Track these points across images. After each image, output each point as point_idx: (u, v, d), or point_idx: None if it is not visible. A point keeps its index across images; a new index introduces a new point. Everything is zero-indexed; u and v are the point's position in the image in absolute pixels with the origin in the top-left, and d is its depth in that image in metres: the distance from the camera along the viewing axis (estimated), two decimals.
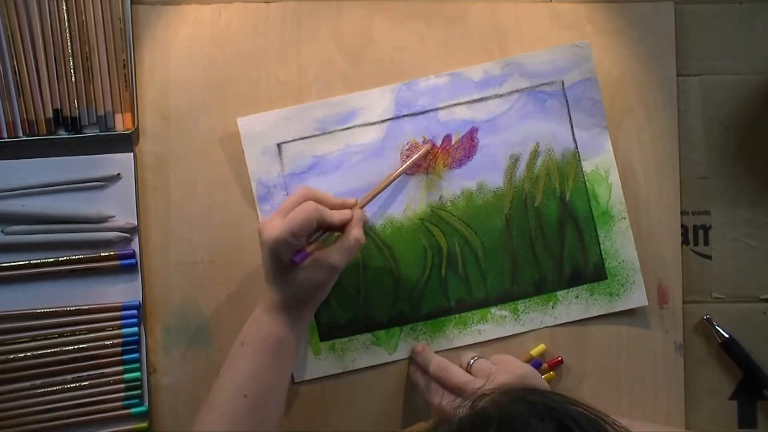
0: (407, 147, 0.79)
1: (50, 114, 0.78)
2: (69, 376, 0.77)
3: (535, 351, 0.78)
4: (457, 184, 0.80)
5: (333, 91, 0.80)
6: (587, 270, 0.80)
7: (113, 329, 0.77)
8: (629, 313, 0.80)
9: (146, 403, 0.78)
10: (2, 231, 0.77)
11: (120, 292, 0.78)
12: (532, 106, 0.80)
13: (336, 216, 0.70)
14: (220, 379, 0.69)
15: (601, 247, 0.80)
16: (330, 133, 0.79)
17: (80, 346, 0.77)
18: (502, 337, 0.80)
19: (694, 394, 0.80)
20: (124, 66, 0.78)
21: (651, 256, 0.80)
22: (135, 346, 0.78)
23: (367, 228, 0.79)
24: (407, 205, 0.79)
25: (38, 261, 0.77)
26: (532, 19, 0.80)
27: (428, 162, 0.79)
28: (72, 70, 0.77)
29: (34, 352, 0.76)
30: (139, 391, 0.78)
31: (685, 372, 0.80)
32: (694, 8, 0.81)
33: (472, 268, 0.80)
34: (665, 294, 0.80)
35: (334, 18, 0.80)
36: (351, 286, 0.79)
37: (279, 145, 0.79)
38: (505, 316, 0.80)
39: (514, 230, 0.80)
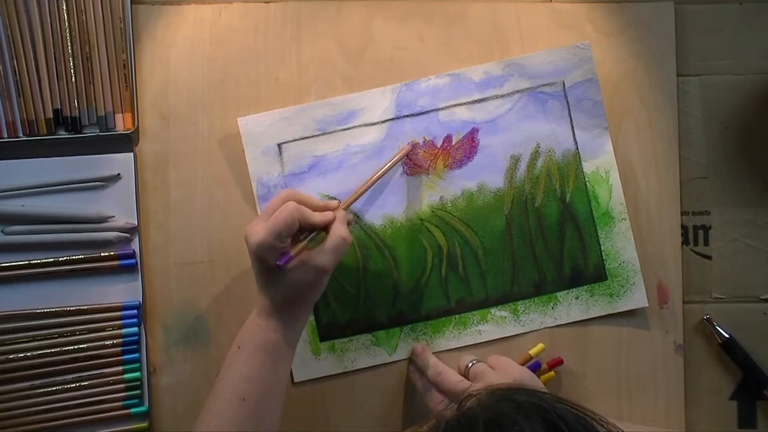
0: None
1: (50, 114, 0.78)
2: (69, 376, 0.77)
3: (533, 351, 0.78)
4: (457, 184, 0.80)
5: (333, 91, 0.80)
6: (587, 271, 0.80)
7: (113, 329, 0.77)
8: (629, 313, 0.80)
9: (146, 403, 0.78)
10: (2, 231, 0.77)
11: (120, 292, 0.78)
12: (532, 107, 0.80)
13: (317, 217, 0.69)
14: (218, 383, 0.69)
15: (602, 248, 0.80)
16: (330, 133, 0.79)
17: (80, 346, 0.77)
18: (502, 338, 0.80)
19: (694, 394, 0.80)
20: (124, 66, 0.78)
21: (651, 256, 0.80)
22: (135, 346, 0.78)
23: (367, 228, 0.79)
24: (407, 205, 0.79)
25: (38, 261, 0.77)
26: (532, 19, 0.80)
27: (428, 162, 0.79)
28: (72, 70, 0.77)
29: (34, 352, 0.76)
30: (139, 391, 0.78)
31: (685, 372, 0.80)
32: (694, 8, 0.81)
33: (472, 268, 0.80)
34: (665, 294, 0.80)
35: (334, 18, 0.80)
36: (351, 286, 0.79)
37: (279, 145, 0.79)
38: (505, 317, 0.80)
39: (514, 231, 0.80)
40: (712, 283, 0.81)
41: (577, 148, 0.80)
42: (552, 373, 0.78)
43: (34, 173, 0.77)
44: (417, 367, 0.77)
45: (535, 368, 0.76)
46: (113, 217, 0.78)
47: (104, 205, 0.78)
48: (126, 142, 0.78)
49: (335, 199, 0.78)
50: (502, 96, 0.80)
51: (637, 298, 0.80)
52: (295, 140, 0.79)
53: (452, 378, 0.72)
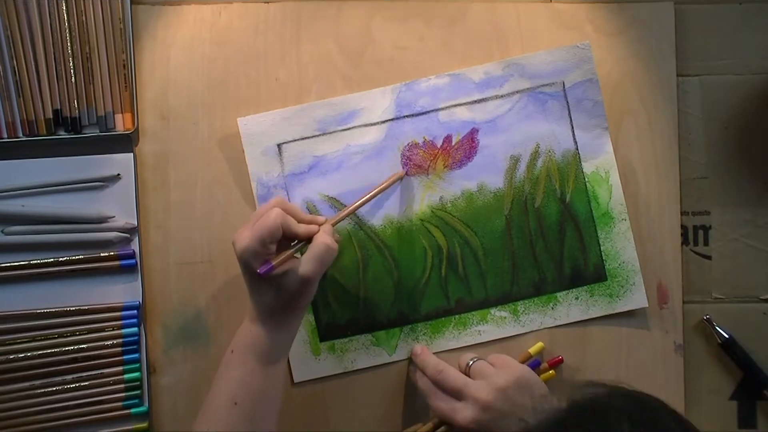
0: (407, 147, 0.79)
1: (50, 114, 0.78)
2: (69, 377, 0.77)
3: (533, 349, 0.78)
4: (457, 184, 0.80)
5: (333, 92, 0.80)
6: (587, 271, 0.80)
7: (113, 329, 0.77)
8: (629, 313, 0.80)
9: (146, 404, 0.78)
10: (2, 231, 0.77)
11: (120, 292, 0.78)
12: (532, 107, 0.80)
13: (302, 228, 0.69)
14: (212, 388, 0.70)
15: (601, 248, 0.80)
16: (330, 133, 0.79)
17: (80, 346, 0.77)
18: (502, 338, 0.80)
19: (693, 395, 0.80)
20: (124, 66, 0.78)
21: (651, 256, 0.80)
22: (135, 347, 0.78)
23: (367, 228, 0.79)
24: (407, 205, 0.79)
25: (38, 261, 0.77)
26: (532, 19, 0.80)
27: (428, 163, 0.79)
28: (72, 71, 0.77)
29: (34, 353, 0.76)
30: (139, 392, 0.78)
31: (684, 372, 0.80)
32: (694, 8, 0.81)
33: (472, 268, 0.80)
34: (665, 294, 0.80)
35: (334, 18, 0.80)
36: (351, 286, 0.79)
37: (279, 146, 0.79)
38: (505, 317, 0.80)
39: (514, 231, 0.80)
40: (712, 283, 0.81)
41: (577, 149, 0.80)
42: (552, 371, 0.78)
43: (34, 173, 0.77)
44: (417, 367, 0.77)
45: (535, 366, 0.76)
46: (113, 217, 0.78)
47: (104, 206, 0.78)
48: (126, 143, 0.78)
49: (336, 200, 0.79)
50: (501, 96, 0.80)
51: (636, 299, 0.80)
52: (295, 140, 0.79)
53: (454, 375, 0.73)
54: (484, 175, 0.80)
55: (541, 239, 0.80)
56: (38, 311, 0.77)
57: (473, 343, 0.80)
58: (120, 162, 0.78)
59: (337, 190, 0.79)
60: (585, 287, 0.80)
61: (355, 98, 0.79)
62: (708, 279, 0.81)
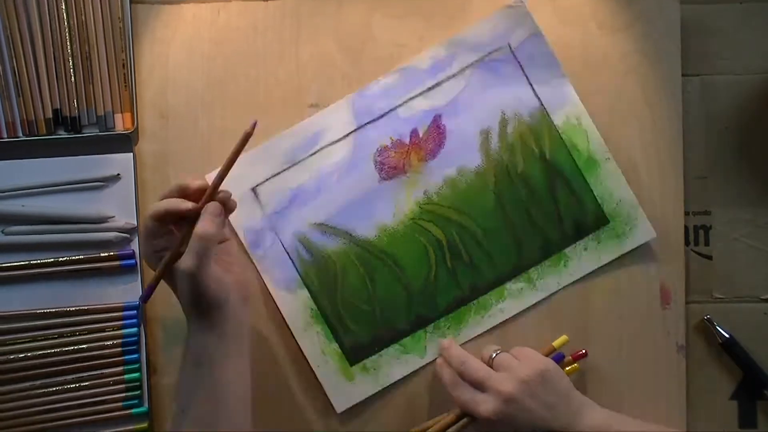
0: (378, 153, 0.79)
1: (50, 114, 0.77)
2: (69, 377, 0.77)
3: (556, 343, 0.77)
4: (437, 174, 0.79)
5: (333, 90, 0.79)
6: (588, 220, 0.80)
7: (113, 330, 0.77)
8: (629, 313, 0.79)
9: (146, 404, 0.78)
10: (2, 231, 0.77)
11: (120, 292, 0.78)
12: (487, 78, 0.79)
13: (183, 205, 0.66)
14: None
15: (595, 193, 0.79)
16: (300, 162, 0.78)
17: (80, 346, 0.77)
18: (525, 313, 0.80)
19: (694, 394, 0.80)
20: (124, 65, 0.78)
21: (653, 256, 0.80)
22: (135, 347, 0.78)
23: (363, 243, 0.78)
24: (395, 209, 0.79)
25: (38, 261, 0.77)
26: (535, 15, 0.79)
27: (402, 161, 0.79)
28: (71, 70, 0.77)
29: (35, 353, 0.76)
30: (139, 392, 0.78)
31: (686, 372, 0.79)
32: (694, 8, 0.81)
33: (475, 252, 0.79)
34: (667, 295, 0.80)
35: (333, 16, 0.80)
36: (364, 303, 0.79)
37: (254, 189, 0.78)
38: (522, 288, 0.79)
39: (505, 203, 0.79)
40: (713, 283, 0.81)
41: (542, 104, 0.79)
42: (576, 365, 0.77)
43: (33, 173, 0.77)
44: (444, 360, 0.77)
45: (558, 360, 0.75)
46: (113, 217, 0.78)
47: (104, 205, 0.78)
48: (125, 142, 0.78)
49: (327, 225, 0.79)
50: (454, 76, 0.79)
51: (643, 232, 0.79)
52: (268, 179, 0.78)
53: (476, 366, 0.73)
54: (460, 158, 0.79)
55: (534, 202, 0.79)
56: (38, 311, 0.77)
57: (498, 323, 0.79)
58: (120, 162, 0.78)
59: (324, 215, 0.78)
60: (590, 236, 0.80)
61: (313, 121, 0.79)
62: (709, 279, 0.81)
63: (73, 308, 0.77)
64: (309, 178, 0.78)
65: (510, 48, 0.79)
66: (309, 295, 0.79)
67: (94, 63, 0.78)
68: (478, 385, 0.71)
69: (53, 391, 0.77)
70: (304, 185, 0.78)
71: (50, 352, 0.76)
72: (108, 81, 0.78)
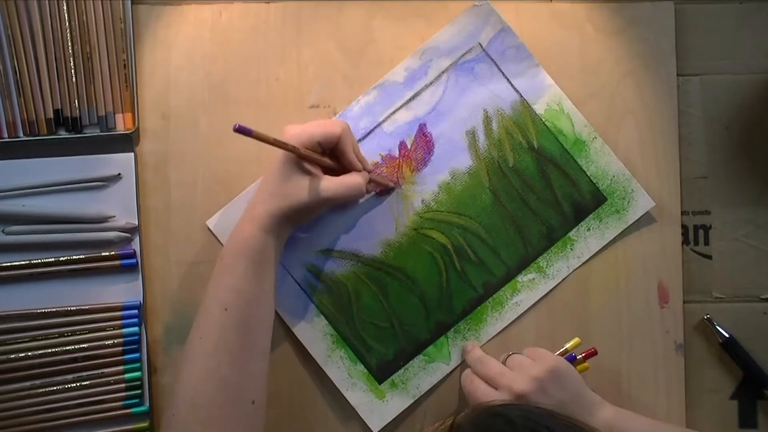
0: (370, 171, 0.79)
1: (51, 114, 0.78)
2: (69, 376, 0.77)
3: (570, 345, 0.77)
4: (431, 182, 0.80)
5: (333, 91, 0.80)
6: (586, 200, 0.80)
7: (114, 329, 0.77)
8: (628, 312, 0.80)
9: (147, 403, 0.78)
10: (3, 231, 0.77)
11: (120, 291, 0.78)
12: (463, 80, 0.80)
13: (352, 156, 0.72)
14: (204, 297, 0.70)
15: (588, 173, 0.80)
16: None
17: (81, 346, 0.77)
18: (541, 302, 0.80)
19: (694, 394, 0.80)
20: (125, 66, 0.78)
21: (651, 256, 0.80)
22: (135, 346, 0.78)
23: (370, 261, 0.79)
24: (396, 223, 0.79)
25: (39, 261, 0.77)
26: (532, 19, 0.80)
27: (395, 175, 0.79)
28: (72, 71, 0.77)
29: (35, 352, 0.76)
30: (139, 391, 0.78)
31: (685, 372, 0.79)
32: (694, 8, 0.81)
33: (482, 250, 0.80)
34: (666, 294, 0.80)
35: (334, 18, 0.80)
36: (382, 321, 0.79)
37: None
38: (534, 278, 0.80)
39: (503, 198, 0.80)
40: (713, 283, 0.81)
41: (522, 96, 0.80)
42: (586, 364, 0.77)
43: (34, 173, 0.77)
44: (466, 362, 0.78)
45: (571, 361, 0.75)
46: (114, 217, 0.78)
47: (105, 205, 0.78)
48: (126, 142, 0.78)
49: (332, 250, 0.79)
50: (431, 83, 0.80)
51: (643, 203, 0.80)
52: None
53: (491, 364, 0.73)
54: (451, 161, 0.80)
55: (531, 193, 0.80)
56: (39, 311, 0.77)
57: (516, 316, 0.80)
58: (120, 162, 0.78)
59: (327, 241, 0.79)
60: (591, 216, 0.80)
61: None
62: (708, 279, 0.81)
63: (74, 308, 0.77)
64: None
65: (481, 47, 0.80)
66: (327, 322, 0.79)
67: (95, 63, 0.78)
68: (492, 383, 0.72)
69: (53, 390, 0.77)
70: None
71: (50, 352, 0.76)
72: (109, 81, 0.78)
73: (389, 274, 0.79)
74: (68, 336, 0.77)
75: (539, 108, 0.80)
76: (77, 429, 0.77)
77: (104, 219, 0.78)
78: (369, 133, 0.80)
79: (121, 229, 0.77)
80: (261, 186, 0.72)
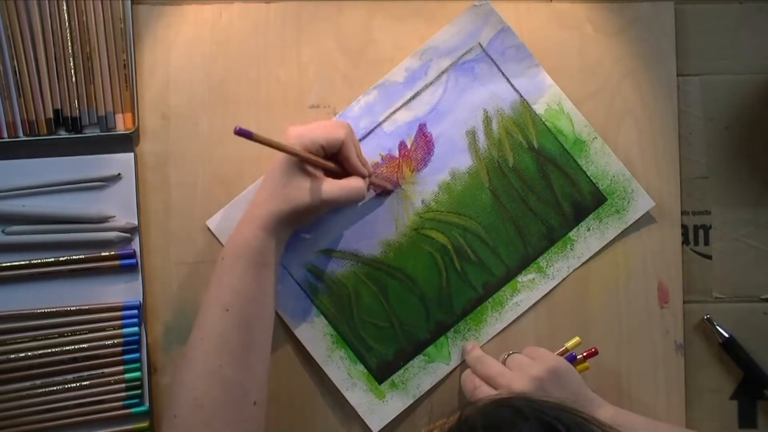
0: (371, 174, 0.79)
1: (51, 114, 0.78)
2: (69, 376, 0.77)
3: (570, 344, 0.77)
4: (430, 182, 0.80)
5: (333, 91, 0.80)
6: (586, 201, 0.80)
7: (114, 329, 0.77)
8: (628, 312, 0.80)
9: (147, 403, 0.78)
10: (3, 231, 0.77)
11: (120, 291, 0.78)
12: (463, 80, 0.80)
13: (355, 160, 0.72)
14: (205, 297, 0.70)
15: (588, 173, 0.80)
16: None
17: (81, 346, 0.77)
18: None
19: (694, 394, 0.80)
20: (125, 66, 0.78)
21: (651, 256, 0.80)
22: (135, 346, 0.78)
23: (370, 261, 0.79)
24: (396, 223, 0.79)
25: (39, 261, 0.77)
26: (532, 19, 0.80)
27: (395, 175, 0.79)
28: (72, 70, 0.77)
29: (35, 352, 0.76)
30: (139, 391, 0.78)
31: (685, 371, 0.80)
32: (694, 8, 0.81)
33: (482, 251, 0.80)
34: (666, 294, 0.80)
35: (334, 18, 0.80)
36: (382, 320, 0.79)
37: None
38: (533, 279, 0.80)
39: (502, 198, 0.80)
40: (713, 283, 0.81)
41: (522, 96, 0.80)
42: (586, 364, 0.76)
43: (34, 173, 0.77)
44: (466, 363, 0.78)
45: (571, 360, 0.75)
46: (114, 217, 0.78)
47: (105, 205, 0.78)
48: (126, 142, 0.78)
49: (333, 251, 0.79)
50: (431, 83, 0.80)
51: (643, 203, 0.80)
52: None
53: (490, 363, 0.73)
54: (451, 161, 0.80)
55: (531, 193, 0.80)
56: (38, 311, 0.77)
57: (516, 316, 0.80)
58: (120, 162, 0.78)
59: (327, 241, 0.79)
60: (591, 216, 0.80)
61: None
62: (708, 279, 0.81)
63: (74, 308, 0.77)
64: None
65: (481, 47, 0.80)
66: (327, 322, 0.79)
67: (95, 63, 0.78)
68: (492, 382, 0.72)
69: (53, 390, 0.77)
70: None
71: (50, 352, 0.76)
72: (109, 81, 0.78)
73: (389, 274, 0.79)
74: (68, 336, 0.77)
75: (539, 108, 0.80)
76: (77, 429, 0.77)
77: (104, 219, 0.77)
78: (369, 133, 0.80)
79: (121, 229, 0.77)
80: (261, 187, 0.72)
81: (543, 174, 0.80)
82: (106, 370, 0.77)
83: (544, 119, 0.80)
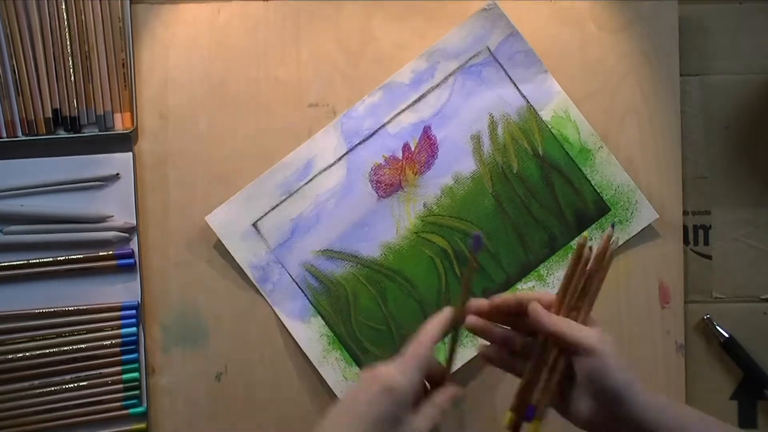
0: (373, 172, 0.79)
1: (49, 114, 0.77)
2: (68, 377, 0.77)
3: None
4: (433, 185, 0.79)
5: (333, 91, 0.79)
6: (589, 210, 0.80)
7: (112, 329, 0.77)
8: (629, 312, 0.80)
9: (144, 404, 0.78)
10: (1, 231, 0.77)
11: (119, 292, 0.78)
12: (470, 83, 0.79)
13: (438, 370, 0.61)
14: None
15: (592, 183, 0.80)
16: (296, 191, 0.79)
17: (79, 346, 0.77)
18: None
19: (694, 394, 0.80)
20: (123, 65, 0.78)
21: (652, 256, 0.80)
22: (133, 347, 0.77)
23: (369, 263, 0.79)
24: (397, 226, 0.79)
25: (37, 261, 0.77)
26: (533, 17, 0.80)
27: (398, 177, 0.79)
28: (71, 70, 0.77)
29: (33, 352, 0.76)
30: (137, 392, 0.77)
31: (685, 371, 0.79)
32: (694, 8, 0.81)
33: (482, 256, 0.79)
34: (666, 294, 0.80)
35: (333, 17, 0.80)
36: (379, 323, 0.79)
37: (255, 225, 0.78)
38: (533, 286, 0.80)
39: (505, 204, 0.79)
40: (713, 283, 0.81)
41: (528, 102, 0.80)
42: None
43: (33, 173, 0.77)
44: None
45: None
46: (112, 216, 0.78)
47: (103, 205, 0.78)
48: (125, 142, 0.78)
49: (331, 251, 0.78)
50: (437, 86, 0.79)
51: (646, 215, 0.79)
52: (267, 213, 0.78)
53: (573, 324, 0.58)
54: (455, 165, 0.79)
55: (534, 200, 0.79)
56: (37, 311, 0.77)
57: None
58: (119, 161, 0.78)
59: (327, 242, 0.79)
60: (594, 225, 0.80)
61: (303, 149, 0.79)
62: (708, 279, 0.81)
63: (72, 308, 0.77)
64: (307, 206, 0.78)
65: (489, 51, 0.79)
66: (323, 323, 0.79)
67: (94, 63, 0.78)
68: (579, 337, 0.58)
69: (52, 391, 0.77)
70: (303, 214, 0.78)
71: (48, 352, 0.76)
72: (108, 81, 0.78)
73: (388, 277, 0.79)
74: (66, 336, 0.77)
75: (546, 115, 0.79)
76: (75, 429, 0.77)
77: (102, 219, 0.77)
78: (373, 134, 0.79)
79: (119, 229, 0.77)
80: (354, 424, 0.54)
81: (547, 181, 0.79)
82: (104, 371, 0.77)
83: (550, 126, 0.79)
